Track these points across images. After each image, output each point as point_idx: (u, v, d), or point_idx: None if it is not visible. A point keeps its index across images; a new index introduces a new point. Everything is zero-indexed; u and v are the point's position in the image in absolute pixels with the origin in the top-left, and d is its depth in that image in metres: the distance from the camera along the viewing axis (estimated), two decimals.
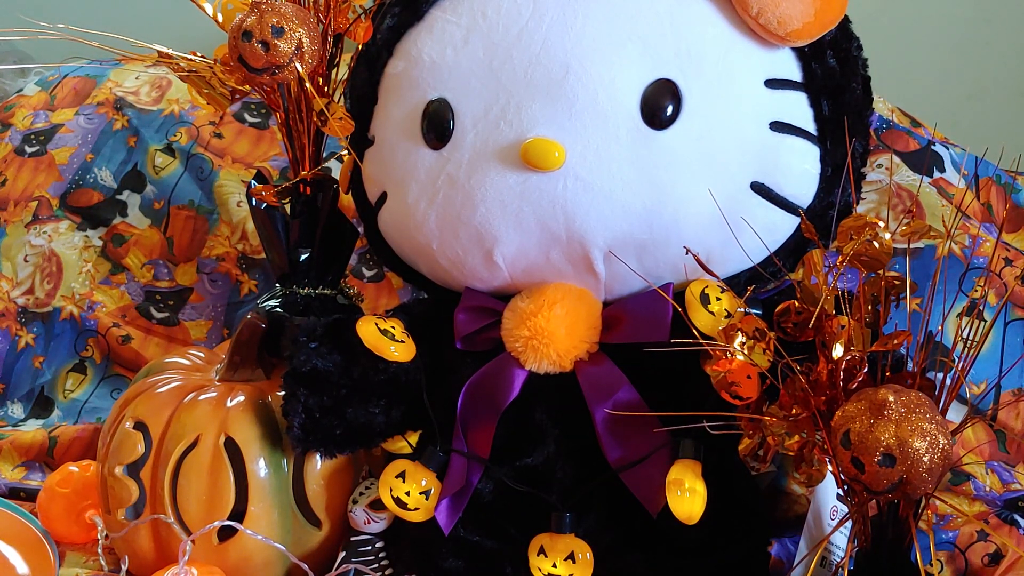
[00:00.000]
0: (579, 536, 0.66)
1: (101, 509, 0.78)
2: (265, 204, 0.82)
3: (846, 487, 0.55)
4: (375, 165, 0.74)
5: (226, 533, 0.72)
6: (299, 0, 0.74)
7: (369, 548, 0.74)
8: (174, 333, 1.12)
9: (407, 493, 0.69)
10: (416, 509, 0.69)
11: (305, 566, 0.71)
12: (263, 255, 1.08)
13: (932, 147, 0.98)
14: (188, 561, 0.69)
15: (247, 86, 0.77)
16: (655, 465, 0.65)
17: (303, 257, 0.82)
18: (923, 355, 0.55)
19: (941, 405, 0.54)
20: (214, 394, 0.74)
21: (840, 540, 0.69)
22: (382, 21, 0.73)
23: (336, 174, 0.83)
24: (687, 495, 0.62)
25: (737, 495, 0.69)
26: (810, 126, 0.67)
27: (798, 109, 0.67)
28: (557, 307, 0.67)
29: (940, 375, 0.55)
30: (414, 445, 0.75)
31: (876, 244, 0.55)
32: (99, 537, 0.79)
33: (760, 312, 0.68)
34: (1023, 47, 1.26)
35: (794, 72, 0.67)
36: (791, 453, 0.57)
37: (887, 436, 0.48)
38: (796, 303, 0.59)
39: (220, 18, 0.77)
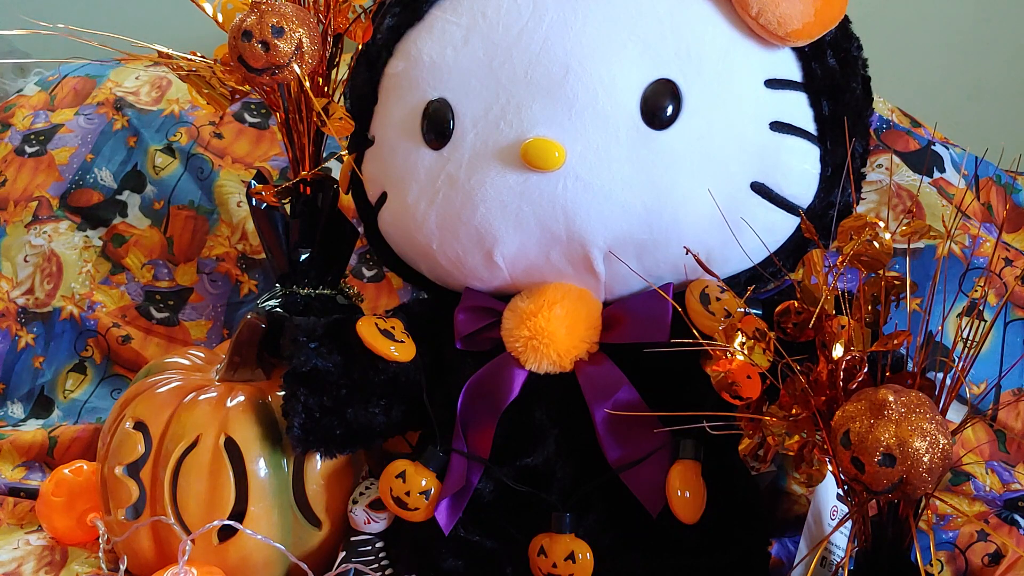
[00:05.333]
0: (579, 536, 0.66)
1: (101, 509, 0.78)
2: (265, 204, 0.82)
3: (846, 487, 0.55)
4: (375, 165, 0.74)
5: (226, 533, 0.72)
6: (299, 0, 0.74)
7: (369, 548, 0.74)
8: (174, 333, 1.12)
9: (407, 493, 0.69)
10: (416, 509, 0.69)
11: (305, 566, 0.71)
12: (263, 255, 1.08)
13: (932, 147, 0.98)
14: (188, 561, 0.69)
15: (247, 86, 0.77)
16: (655, 465, 0.65)
17: (303, 257, 0.82)
18: (923, 355, 0.55)
19: (941, 405, 0.54)
20: (214, 394, 0.74)
21: (840, 540, 0.69)
22: (382, 21, 0.73)
23: (336, 174, 0.83)
24: (687, 495, 0.62)
25: (737, 495, 0.69)
26: (810, 126, 0.67)
27: (798, 109, 0.67)
28: (557, 307, 0.67)
29: (940, 375, 0.55)
30: (414, 445, 0.75)
31: (876, 244, 0.55)
32: (100, 541, 0.79)
33: (760, 312, 0.68)
34: (1023, 47, 1.26)
35: (794, 72, 0.67)
36: (791, 453, 0.57)
37: (887, 436, 0.48)
38: (796, 303, 0.59)
39: (220, 18, 0.77)
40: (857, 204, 0.72)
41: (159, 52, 0.78)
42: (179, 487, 0.72)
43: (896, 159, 0.97)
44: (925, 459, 0.48)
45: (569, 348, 0.68)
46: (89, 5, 1.35)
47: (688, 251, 0.63)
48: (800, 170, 0.67)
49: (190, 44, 0.79)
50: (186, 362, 0.82)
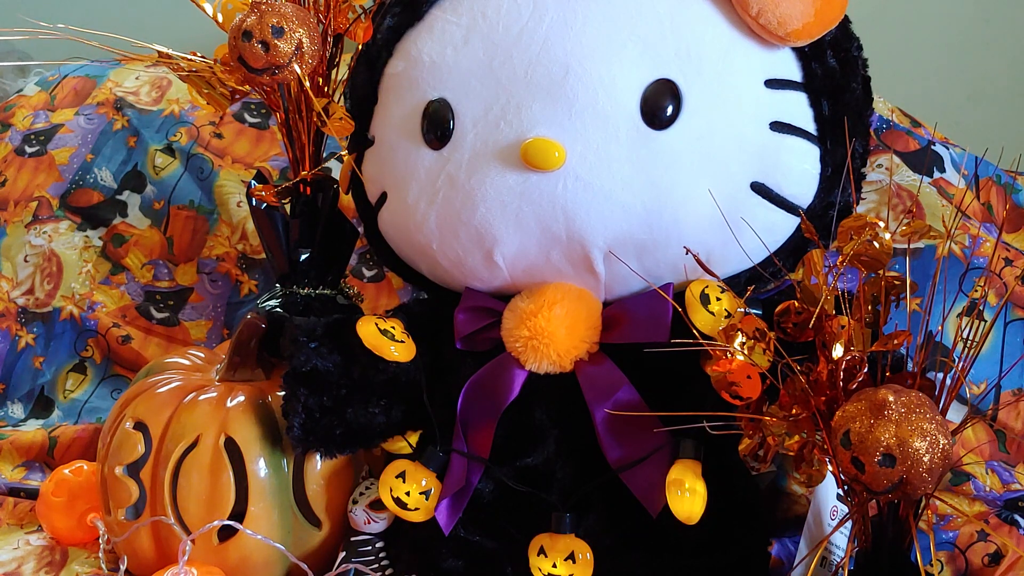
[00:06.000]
0: (579, 536, 0.66)
1: (101, 509, 0.78)
2: (265, 204, 0.82)
3: (846, 487, 0.55)
4: (375, 165, 0.74)
5: (226, 533, 0.72)
6: (299, 0, 0.74)
7: (369, 548, 0.74)
8: (174, 333, 1.12)
9: (407, 493, 0.69)
10: (416, 509, 0.69)
11: (305, 566, 0.71)
12: (263, 255, 1.08)
13: (932, 147, 0.98)
14: (188, 561, 0.69)
15: (247, 86, 0.77)
16: (655, 465, 0.65)
17: (303, 257, 0.82)
18: (923, 355, 0.55)
19: (941, 405, 0.54)
20: (214, 394, 0.74)
21: (840, 540, 0.69)
22: (382, 21, 0.73)
23: (336, 174, 0.83)
24: (687, 495, 0.62)
25: (737, 495, 0.69)
26: (810, 126, 0.67)
27: (798, 109, 0.67)
28: (557, 307, 0.67)
29: (940, 375, 0.55)
30: (414, 445, 0.75)
31: (876, 244, 0.55)
32: (100, 541, 0.79)
33: (760, 312, 0.68)
34: (1023, 47, 1.26)
35: (794, 72, 0.67)
36: (791, 453, 0.57)
37: (887, 436, 0.48)
38: (796, 303, 0.59)
39: (220, 18, 0.77)
40: (857, 204, 0.72)
41: (159, 52, 0.78)
42: (179, 487, 0.72)
43: (896, 159, 0.97)
44: (925, 459, 0.48)
45: (569, 348, 0.68)
46: (89, 5, 1.35)
47: (688, 251, 0.63)
48: (800, 170, 0.67)
49: (190, 44, 0.79)
50: (186, 362, 0.82)
